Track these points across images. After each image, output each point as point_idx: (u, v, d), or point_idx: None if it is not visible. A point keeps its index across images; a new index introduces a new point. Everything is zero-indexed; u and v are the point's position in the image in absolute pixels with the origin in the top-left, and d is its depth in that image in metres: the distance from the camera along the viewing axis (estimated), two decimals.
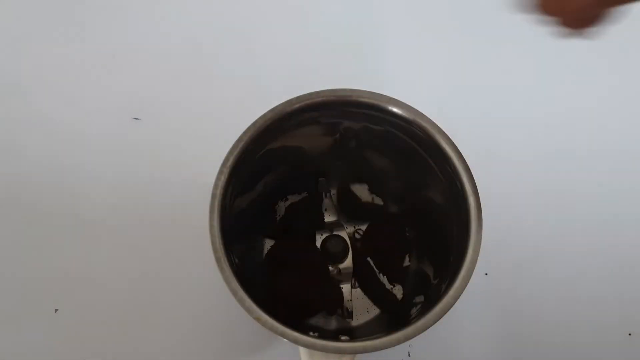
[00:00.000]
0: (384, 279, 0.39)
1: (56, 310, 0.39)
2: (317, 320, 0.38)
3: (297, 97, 0.32)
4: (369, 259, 0.39)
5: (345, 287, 0.38)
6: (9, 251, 0.41)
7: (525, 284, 0.41)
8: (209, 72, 0.47)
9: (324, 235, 0.38)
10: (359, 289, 0.39)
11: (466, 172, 0.30)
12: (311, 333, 0.28)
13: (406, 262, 0.40)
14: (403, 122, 0.32)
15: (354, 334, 0.37)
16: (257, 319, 0.27)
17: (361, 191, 0.41)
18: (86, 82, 0.47)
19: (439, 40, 0.49)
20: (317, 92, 0.32)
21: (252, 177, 0.35)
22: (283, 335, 0.27)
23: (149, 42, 0.48)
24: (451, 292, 0.28)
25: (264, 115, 0.31)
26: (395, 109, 0.32)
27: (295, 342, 0.27)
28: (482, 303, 0.40)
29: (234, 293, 0.28)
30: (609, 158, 0.46)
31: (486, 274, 0.41)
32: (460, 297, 0.28)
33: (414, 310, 0.35)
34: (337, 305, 0.37)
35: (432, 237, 0.38)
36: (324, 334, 0.36)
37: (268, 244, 0.40)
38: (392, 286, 0.39)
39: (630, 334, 0.40)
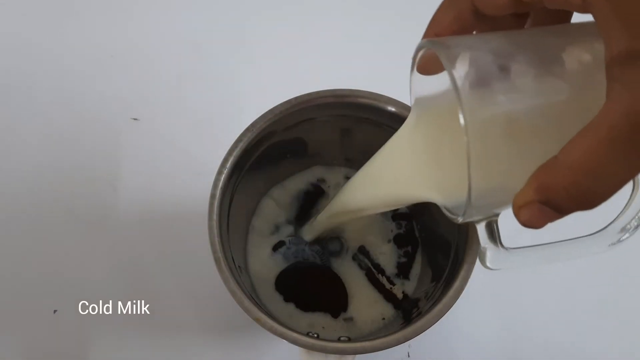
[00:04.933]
0: (383, 279, 0.39)
1: (55, 311, 0.39)
2: (318, 320, 0.38)
3: (297, 97, 0.32)
4: (367, 259, 0.39)
5: None
6: (9, 251, 0.41)
7: (525, 284, 0.41)
8: (208, 72, 0.47)
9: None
10: None
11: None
12: (310, 333, 0.28)
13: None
14: (402, 122, 0.32)
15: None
16: (256, 319, 0.27)
17: None
18: (85, 82, 0.47)
19: None
20: (317, 92, 0.32)
21: (251, 178, 0.35)
22: (282, 336, 0.27)
23: (148, 42, 0.48)
24: (450, 293, 0.28)
25: (264, 115, 0.31)
26: (394, 109, 0.32)
27: (295, 342, 0.27)
28: (481, 303, 0.40)
29: (233, 293, 0.28)
30: None
31: (485, 274, 0.41)
32: (460, 298, 0.28)
33: (413, 311, 0.35)
34: (343, 305, 0.37)
35: (432, 237, 0.38)
36: (324, 335, 0.36)
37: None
38: (391, 286, 0.39)
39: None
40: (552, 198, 0.16)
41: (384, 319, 0.37)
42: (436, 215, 0.36)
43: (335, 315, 0.37)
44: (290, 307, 0.37)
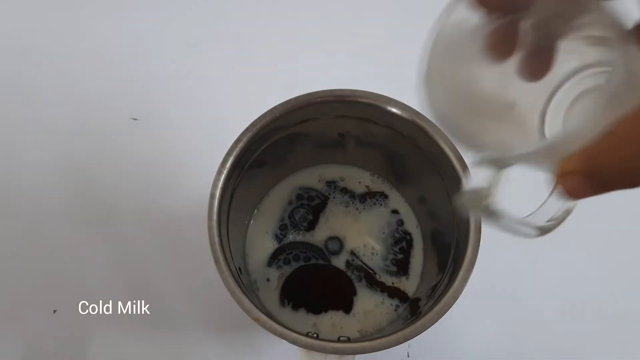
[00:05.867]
0: (381, 278, 0.39)
1: (55, 311, 0.39)
2: (323, 320, 0.38)
3: (297, 97, 0.32)
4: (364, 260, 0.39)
5: None
6: (9, 251, 0.41)
7: (525, 284, 0.41)
8: (207, 72, 0.47)
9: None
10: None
11: (465, 172, 0.30)
12: (310, 333, 0.28)
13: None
14: (402, 122, 0.32)
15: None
16: (256, 319, 0.27)
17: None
18: (84, 82, 0.47)
19: None
20: (317, 93, 0.32)
21: (251, 177, 0.35)
22: (282, 336, 0.27)
23: (147, 42, 0.48)
24: (450, 293, 0.28)
25: (263, 115, 0.31)
26: (394, 109, 0.32)
27: (295, 342, 0.27)
28: (481, 303, 0.40)
29: (233, 293, 0.28)
30: None
31: (485, 274, 0.41)
32: (460, 297, 0.28)
33: (417, 309, 0.35)
34: (350, 300, 0.37)
35: (433, 236, 0.38)
36: (323, 335, 0.36)
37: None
38: (393, 281, 0.39)
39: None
40: (600, 171, 0.15)
41: (396, 309, 0.37)
42: (438, 212, 0.36)
43: (347, 310, 0.37)
44: (302, 313, 0.37)
